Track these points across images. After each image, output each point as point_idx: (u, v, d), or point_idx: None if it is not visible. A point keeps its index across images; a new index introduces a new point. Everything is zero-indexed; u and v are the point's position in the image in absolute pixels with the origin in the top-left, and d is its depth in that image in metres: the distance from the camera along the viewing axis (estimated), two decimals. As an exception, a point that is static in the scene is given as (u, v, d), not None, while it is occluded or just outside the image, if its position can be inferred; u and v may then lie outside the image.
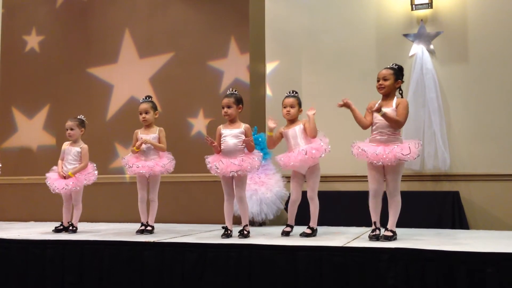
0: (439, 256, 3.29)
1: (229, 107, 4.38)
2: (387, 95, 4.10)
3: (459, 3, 6.00)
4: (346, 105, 4.11)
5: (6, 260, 4.20)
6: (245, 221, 4.33)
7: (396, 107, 4.00)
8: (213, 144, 4.37)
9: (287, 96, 4.43)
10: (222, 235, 4.23)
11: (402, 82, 4.13)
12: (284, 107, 4.40)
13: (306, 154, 4.18)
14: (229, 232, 4.27)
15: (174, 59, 6.28)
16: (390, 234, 3.92)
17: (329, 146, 4.23)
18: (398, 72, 4.11)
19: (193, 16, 6.26)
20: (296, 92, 4.47)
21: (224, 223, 4.35)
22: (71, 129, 4.98)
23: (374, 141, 4.04)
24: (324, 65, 6.37)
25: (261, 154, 4.40)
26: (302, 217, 4.49)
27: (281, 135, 4.43)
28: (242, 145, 4.33)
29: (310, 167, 4.30)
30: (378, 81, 4.13)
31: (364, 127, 4.13)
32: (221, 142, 4.38)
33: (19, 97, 6.83)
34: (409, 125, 5.85)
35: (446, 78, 5.96)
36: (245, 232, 4.23)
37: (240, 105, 4.42)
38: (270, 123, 4.36)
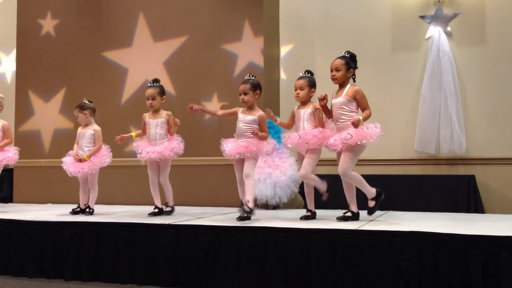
0: (453, 240, 3.29)
1: (245, 93, 4.34)
2: (341, 85, 4.23)
3: (477, -16, 5.88)
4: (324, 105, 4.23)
5: (25, 241, 4.29)
6: (248, 197, 4.09)
7: (354, 98, 4.12)
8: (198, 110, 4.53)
9: (298, 78, 4.40)
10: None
11: (356, 68, 4.24)
12: (295, 89, 4.38)
13: (300, 138, 4.21)
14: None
15: (188, 42, 6.26)
16: (349, 214, 4.20)
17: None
18: (350, 61, 4.23)
19: (207, -1, 6.23)
20: (310, 73, 4.42)
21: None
22: (77, 116, 5.09)
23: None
24: (338, 48, 6.15)
25: (275, 140, 4.39)
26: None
27: (293, 115, 4.43)
28: (250, 134, 4.24)
29: (309, 149, 4.26)
30: (331, 71, 4.23)
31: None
32: (237, 124, 4.38)
33: (35, 81, 6.89)
34: (425, 108, 5.80)
35: (463, 61, 5.87)
36: (245, 208, 4.03)
37: (257, 91, 4.36)
38: (269, 115, 4.39)
